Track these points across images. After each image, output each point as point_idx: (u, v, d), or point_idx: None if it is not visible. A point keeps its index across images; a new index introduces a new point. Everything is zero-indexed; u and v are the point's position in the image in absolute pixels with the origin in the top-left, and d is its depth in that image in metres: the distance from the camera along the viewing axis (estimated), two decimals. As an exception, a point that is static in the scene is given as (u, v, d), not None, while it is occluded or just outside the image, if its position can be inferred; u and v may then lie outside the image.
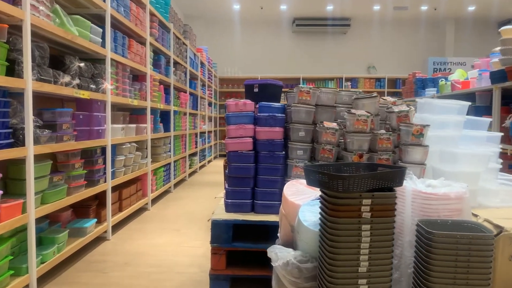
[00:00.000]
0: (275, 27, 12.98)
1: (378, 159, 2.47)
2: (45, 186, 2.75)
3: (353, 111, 2.47)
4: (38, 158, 2.72)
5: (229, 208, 2.62)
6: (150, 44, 5.06)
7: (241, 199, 2.61)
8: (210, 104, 10.83)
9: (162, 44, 5.62)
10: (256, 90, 2.93)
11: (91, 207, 3.62)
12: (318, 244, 1.85)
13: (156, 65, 5.53)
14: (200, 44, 11.32)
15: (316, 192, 2.17)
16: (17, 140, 2.41)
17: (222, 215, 2.55)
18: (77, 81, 3.11)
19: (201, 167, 9.27)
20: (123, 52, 4.12)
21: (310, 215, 1.97)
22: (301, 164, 2.52)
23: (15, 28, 2.42)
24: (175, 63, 6.59)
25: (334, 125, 2.53)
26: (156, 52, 5.63)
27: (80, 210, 3.56)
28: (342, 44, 13.15)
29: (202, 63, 9.24)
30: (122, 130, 4.12)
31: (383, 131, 2.55)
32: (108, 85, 3.63)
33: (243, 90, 11.74)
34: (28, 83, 2.41)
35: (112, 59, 3.78)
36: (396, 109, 2.57)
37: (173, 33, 6.29)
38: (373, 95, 2.64)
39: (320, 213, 1.83)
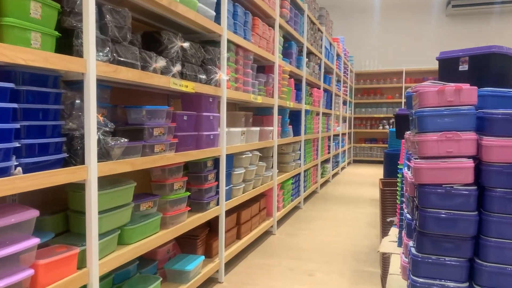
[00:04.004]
0: (424, 12, 10.94)
1: None
2: (126, 219, 1.88)
3: None
4: (114, 179, 1.85)
5: (419, 293, 1.35)
6: (280, 26, 4.04)
7: (447, 280, 1.32)
8: (344, 102, 9.49)
9: (294, 28, 4.56)
10: (463, 67, 1.59)
11: (199, 237, 2.71)
12: None
13: (286, 53, 4.50)
14: (335, 36, 10.05)
15: None
16: (75, 154, 1.55)
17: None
18: (178, 67, 2.20)
19: (333, 175, 8.03)
20: (245, 33, 3.15)
21: None
22: None
23: (74, -20, 1.57)
24: (309, 52, 5.49)
25: None
26: (286, 38, 4.59)
27: (185, 241, 2.68)
28: (514, 26, 10.43)
29: (338, 55, 7.97)
30: (242, 136, 3.16)
31: None
32: (223, 75, 2.68)
33: (383, 86, 10.21)
34: (90, 65, 1.52)
35: (229, 41, 2.83)
36: None
37: (307, 16, 5.18)
38: None
39: None
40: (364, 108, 11.17)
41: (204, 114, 2.53)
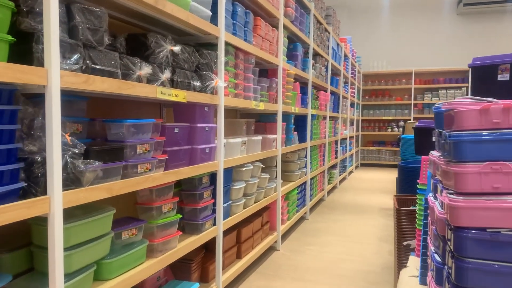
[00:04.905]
0: (434, 11, 10.60)
1: None
2: (104, 251, 1.62)
3: None
4: (89, 205, 1.59)
5: None
6: (284, 27, 3.76)
7: None
8: (352, 104, 9.19)
9: (299, 29, 4.29)
10: (503, 76, 1.31)
11: (194, 261, 2.45)
12: None
13: (291, 56, 4.23)
14: (342, 36, 9.75)
15: None
16: (35, 182, 1.30)
17: None
18: (167, 74, 1.95)
19: (341, 181, 7.73)
20: (245, 35, 2.88)
21: None
22: None
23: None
24: (315, 54, 5.21)
25: None
26: (291, 39, 4.32)
27: (178, 265, 2.42)
28: (528, 25, 10.06)
29: (345, 56, 7.68)
30: (243, 146, 2.89)
31: None
32: (220, 81, 2.41)
33: (392, 87, 9.97)
34: (52, 75, 1.27)
35: (228, 43, 2.56)
36: None
37: (314, 15, 4.91)
38: None
39: None
40: (372, 110, 10.86)
41: (199, 125, 2.27)
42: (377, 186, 7.36)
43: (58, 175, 1.29)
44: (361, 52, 10.73)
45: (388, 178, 8.51)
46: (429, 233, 1.52)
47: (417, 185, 2.05)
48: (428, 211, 1.51)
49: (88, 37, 1.47)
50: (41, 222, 1.39)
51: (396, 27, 10.87)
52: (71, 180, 1.38)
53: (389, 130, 10.69)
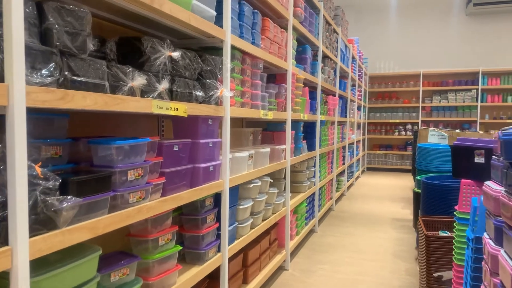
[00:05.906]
0: (442, 11, 10.29)
1: None
2: (87, 300, 1.34)
3: None
4: (71, 247, 1.31)
5: None
6: (294, 28, 3.48)
7: None
8: (358, 107, 8.89)
9: (309, 30, 4.00)
10: None
11: (196, 293, 2.17)
12: None
13: (299, 59, 3.94)
14: (348, 37, 9.45)
15: None
16: (-6, 228, 1.02)
17: None
18: (165, 84, 1.67)
19: (348, 187, 7.44)
20: (253, 37, 2.60)
21: None
22: None
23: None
24: (324, 56, 4.92)
25: None
26: (300, 41, 4.03)
27: (178, 298, 2.14)
28: (541, 25, 9.75)
29: (353, 58, 7.39)
30: (250, 160, 2.61)
31: None
32: (225, 90, 2.13)
33: (399, 89, 9.68)
34: (15, 92, 0.99)
35: (234, 47, 2.28)
36: None
37: (323, 16, 4.62)
38: None
39: None
40: (379, 113, 10.54)
41: (201, 141, 1.99)
42: (385, 193, 7.07)
43: (23, 219, 1.01)
44: (367, 53, 10.44)
45: (396, 183, 8.22)
46: (484, 282, 1.24)
47: (455, 213, 1.77)
48: (484, 256, 1.23)
49: (66, 42, 1.19)
50: (4, 275, 1.11)
51: (404, 27, 10.56)
52: (42, 222, 1.11)
53: (396, 133, 10.40)
